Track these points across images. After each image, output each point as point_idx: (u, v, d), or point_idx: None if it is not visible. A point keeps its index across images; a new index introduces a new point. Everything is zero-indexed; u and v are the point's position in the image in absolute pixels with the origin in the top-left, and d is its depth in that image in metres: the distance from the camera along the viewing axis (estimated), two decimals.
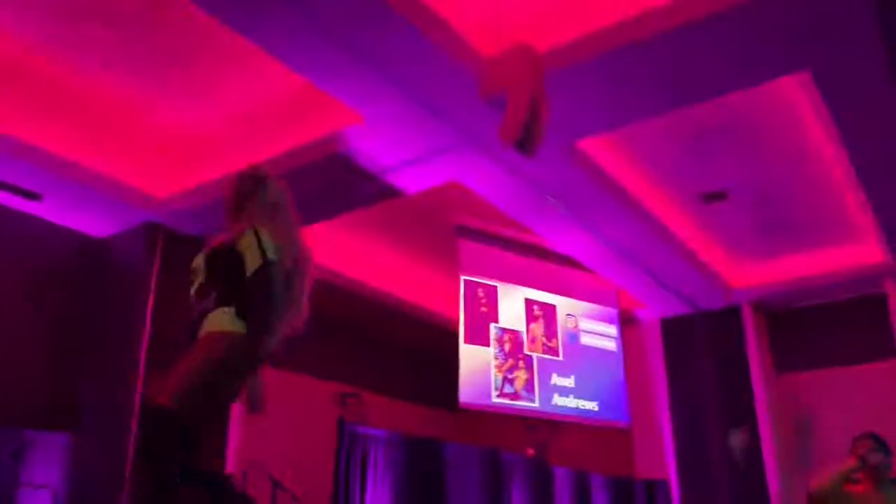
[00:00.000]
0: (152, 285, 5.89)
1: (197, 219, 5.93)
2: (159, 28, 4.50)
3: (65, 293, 6.06)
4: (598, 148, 5.55)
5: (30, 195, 5.62)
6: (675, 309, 8.03)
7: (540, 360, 7.34)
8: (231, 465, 6.01)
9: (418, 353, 9.26)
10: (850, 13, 3.77)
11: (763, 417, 7.43)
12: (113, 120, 5.32)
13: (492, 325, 7.08)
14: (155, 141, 5.57)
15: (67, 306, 6.05)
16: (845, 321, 7.62)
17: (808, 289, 7.51)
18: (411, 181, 5.54)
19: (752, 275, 7.58)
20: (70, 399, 5.87)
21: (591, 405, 7.57)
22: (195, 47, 4.66)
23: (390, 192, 5.66)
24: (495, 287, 7.25)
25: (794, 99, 4.99)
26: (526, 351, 7.24)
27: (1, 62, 4.73)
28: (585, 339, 7.81)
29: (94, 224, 6.13)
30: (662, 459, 7.87)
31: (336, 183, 5.53)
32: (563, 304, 7.74)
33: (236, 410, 6.19)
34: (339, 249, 7.23)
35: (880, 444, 3.85)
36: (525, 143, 3.72)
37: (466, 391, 6.68)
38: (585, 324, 7.85)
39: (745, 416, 7.49)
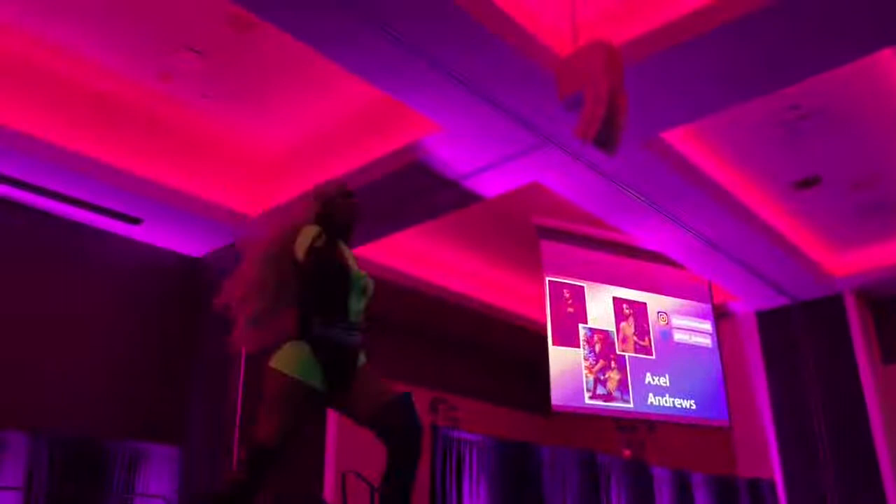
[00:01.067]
0: None
1: None
2: (244, 53, 4.70)
3: (170, 312, 6.37)
4: (683, 139, 5.42)
5: (131, 220, 5.93)
6: (771, 301, 7.72)
7: (632, 360, 7.20)
8: (329, 477, 6.15)
9: (508, 358, 9.25)
10: None
11: (874, 411, 7.05)
12: (203, 143, 5.57)
13: (580, 326, 6.99)
14: (243, 161, 5.80)
15: (173, 324, 6.35)
16: None
17: None
18: (491, 185, 5.55)
19: (852, 261, 7.22)
20: (178, 414, 6.15)
21: (688, 403, 7.37)
22: (277, 69, 4.84)
23: (471, 198, 5.69)
24: (581, 287, 7.16)
25: (887, 76, 4.74)
26: (618, 351, 7.12)
27: (102, 99, 5.04)
28: (679, 336, 7.61)
29: (190, 244, 6.41)
30: (766, 457, 7.57)
31: (417, 191, 5.60)
32: (654, 302, 7.57)
33: (331, 420, 6.35)
34: (423, 257, 7.31)
35: None
36: (605, 139, 3.65)
37: (558, 394, 6.62)
38: (678, 320, 7.66)
39: (852, 411, 7.12)
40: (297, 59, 4.62)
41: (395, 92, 4.49)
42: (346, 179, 5.46)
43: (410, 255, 7.20)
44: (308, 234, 2.50)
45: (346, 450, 6.50)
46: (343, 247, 2.65)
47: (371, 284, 2.66)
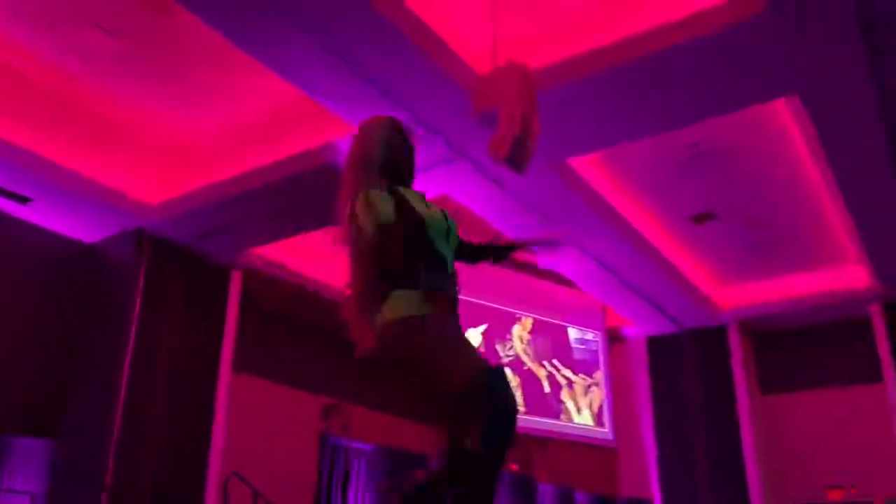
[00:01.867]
0: (138, 291, 5.86)
1: (185, 226, 5.92)
2: (158, 39, 4.52)
3: (52, 297, 6.02)
4: (590, 166, 5.58)
5: (19, 198, 5.58)
6: (662, 327, 8.04)
7: (527, 376, 7.34)
8: (212, 476, 5.96)
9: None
10: (836, 40, 3.82)
11: (747, 438, 7.44)
12: (107, 127, 5.32)
13: (480, 341, 7.07)
14: (149, 149, 5.57)
15: (54, 310, 6.00)
16: (830, 344, 7.65)
17: (793, 311, 7.55)
18: None
19: (739, 295, 7.61)
20: (54, 404, 5.81)
21: (577, 422, 7.57)
22: (192, 59, 4.68)
23: None
24: (485, 304, 7.26)
25: (785, 123, 5.04)
26: (510, 366, 7.24)
27: None
28: (573, 356, 7.82)
29: (83, 229, 6.10)
30: (646, 478, 7.86)
31: (327, 194, 5.51)
32: (552, 321, 7.75)
33: (219, 422, 6.16)
34: (327, 259, 7.21)
35: None
36: (516, 159, 3.73)
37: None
38: (573, 341, 7.86)
39: (729, 436, 7.50)
40: (217, 50, 4.47)
41: (312, 91, 4.42)
42: (252, 175, 5.40)
43: (313, 256, 7.09)
44: (366, 209, 2.04)
45: (233, 451, 6.33)
46: (408, 193, 2.23)
47: (454, 225, 2.29)
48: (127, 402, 5.56)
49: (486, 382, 1.90)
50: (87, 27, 4.41)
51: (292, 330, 7.85)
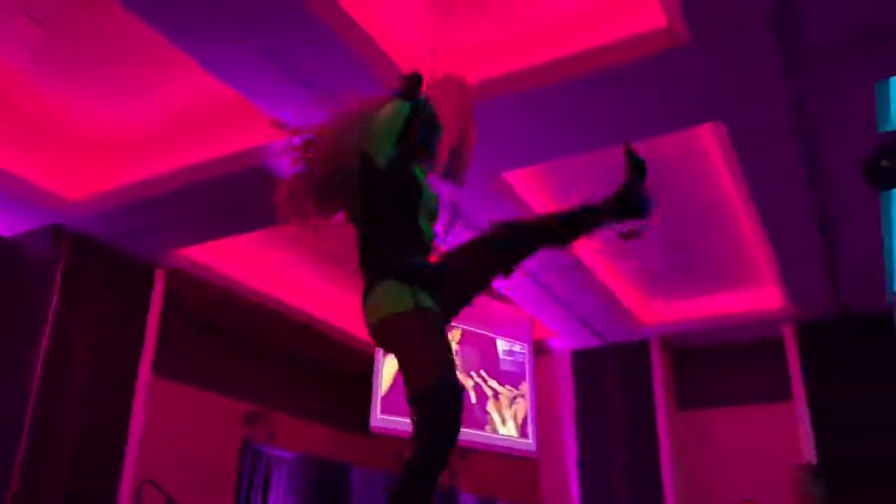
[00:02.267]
0: (55, 288, 5.64)
1: (108, 223, 5.74)
2: (86, 29, 4.38)
3: None
4: (523, 180, 5.66)
5: None
6: (587, 341, 8.21)
7: None
8: (126, 482, 5.77)
9: (332, 375, 9.13)
10: (759, 70, 4.00)
11: (665, 452, 7.66)
12: (30, 119, 5.11)
13: None
14: (71, 142, 5.37)
15: None
16: (744, 362, 7.95)
17: (711, 329, 7.82)
18: None
19: (660, 312, 7.84)
20: None
21: (502, 433, 7.64)
22: (121, 50, 4.55)
23: None
24: None
25: (709, 148, 5.24)
26: None
27: None
28: (500, 367, 7.89)
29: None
30: (567, 489, 7.99)
31: (256, 197, 5.42)
32: (479, 332, 7.81)
33: (136, 426, 5.98)
34: (255, 264, 7.10)
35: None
36: (452, 171, 3.75)
37: (378, 415, 6.64)
38: (501, 353, 7.94)
39: (647, 450, 7.70)
40: (149, 43, 4.36)
41: (245, 91, 4.36)
42: (182, 174, 5.27)
43: (239, 259, 6.97)
44: (388, 118, 2.09)
45: (149, 457, 6.14)
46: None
47: (437, 211, 2.33)
48: (38, 404, 5.34)
49: (443, 393, 1.91)
50: (16, 16, 4.23)
51: (217, 334, 7.69)
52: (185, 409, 7.18)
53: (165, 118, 5.16)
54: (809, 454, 6.94)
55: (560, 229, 2.31)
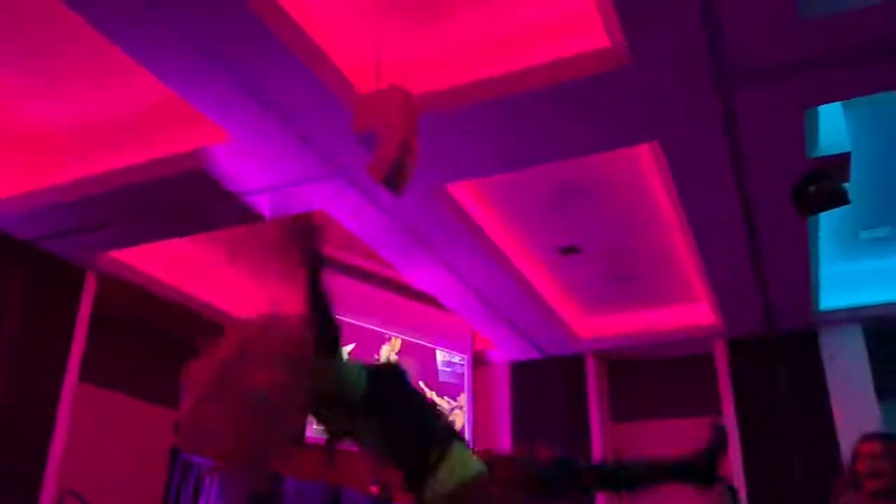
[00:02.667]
0: None
1: (36, 223, 5.53)
2: (11, 17, 4.21)
3: None
4: (468, 193, 5.70)
5: None
6: (526, 353, 8.29)
7: None
8: (46, 494, 5.54)
9: None
10: (695, 94, 4.13)
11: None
12: None
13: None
14: None
15: None
16: (677, 376, 8.15)
17: (646, 343, 7.99)
18: (275, 207, 5.44)
19: (597, 326, 7.97)
20: None
21: None
22: (55, 43, 4.39)
23: (251, 216, 5.53)
24: (353, 323, 7.20)
25: (647, 167, 5.37)
26: None
27: None
28: (439, 378, 7.89)
29: None
30: None
31: (194, 200, 5.34)
32: (421, 343, 7.80)
33: (60, 434, 5.76)
34: (189, 268, 6.95)
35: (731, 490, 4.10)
36: (394, 180, 3.76)
37: (315, 427, 6.54)
38: (440, 363, 7.95)
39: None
40: (83, 35, 4.22)
41: (183, 91, 4.26)
42: (116, 175, 5.12)
43: (173, 264, 6.81)
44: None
45: (72, 467, 5.92)
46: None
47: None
48: None
49: None
50: None
51: (148, 340, 7.49)
52: (113, 417, 6.97)
53: (100, 117, 5.00)
54: (737, 468, 7.15)
55: (620, 481, 2.36)
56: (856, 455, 2.96)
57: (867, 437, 3.02)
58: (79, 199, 5.26)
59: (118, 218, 5.54)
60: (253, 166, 4.94)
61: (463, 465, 2.11)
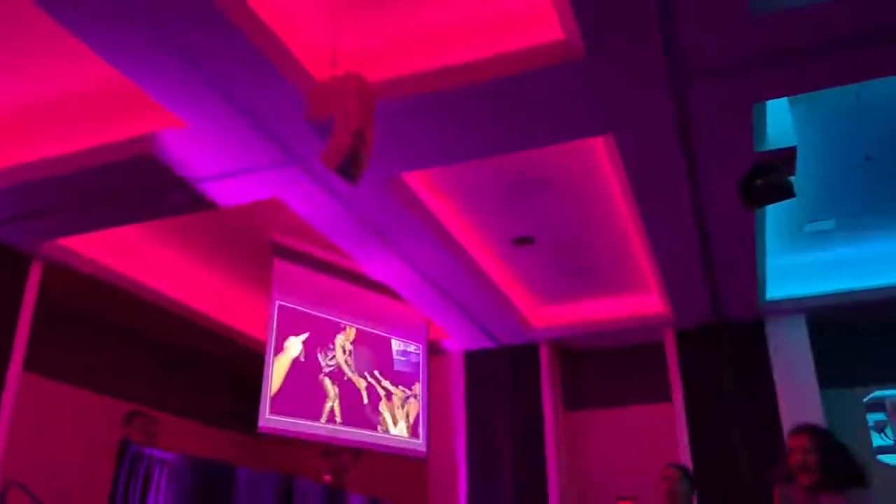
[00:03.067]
0: None
1: None
2: None
3: None
4: (422, 182, 5.70)
5: None
6: (479, 342, 8.35)
7: (347, 387, 7.31)
8: None
9: (218, 373, 8.88)
10: (647, 87, 4.19)
11: (550, 451, 7.90)
12: None
13: (300, 349, 6.96)
14: None
15: None
16: (628, 365, 8.31)
17: (598, 332, 8.12)
18: (228, 194, 5.36)
19: (550, 315, 8.07)
20: None
21: (393, 434, 7.64)
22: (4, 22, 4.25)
23: (204, 204, 5.44)
24: (308, 312, 7.16)
25: (600, 158, 5.44)
26: (331, 377, 7.19)
27: None
28: (394, 367, 7.90)
29: None
30: (455, 489, 8.08)
31: (146, 187, 5.23)
32: (376, 332, 7.79)
33: (2, 425, 5.62)
34: (139, 257, 6.81)
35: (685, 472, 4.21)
36: (349, 169, 3.74)
37: (266, 415, 6.50)
38: (395, 353, 7.95)
39: (534, 450, 7.90)
40: (27, 15, 4.09)
41: (135, 77, 4.16)
42: (63, 160, 4.99)
43: (125, 252, 6.67)
44: None
45: (17, 459, 5.78)
46: None
47: None
48: None
49: None
50: None
51: (95, 330, 7.34)
52: (60, 408, 6.82)
53: (46, 99, 4.85)
54: (685, 454, 7.32)
55: None
56: (787, 448, 3.02)
57: (796, 431, 3.07)
58: (23, 185, 5.12)
59: (64, 204, 5.41)
60: (205, 153, 4.86)
61: None
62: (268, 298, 6.90)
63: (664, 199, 5.41)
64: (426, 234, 6.02)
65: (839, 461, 2.89)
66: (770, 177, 4.68)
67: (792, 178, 4.79)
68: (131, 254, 6.70)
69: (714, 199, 5.35)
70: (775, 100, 4.61)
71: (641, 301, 7.69)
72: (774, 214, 6.07)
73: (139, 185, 5.21)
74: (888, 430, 7.46)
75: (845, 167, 5.83)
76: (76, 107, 4.87)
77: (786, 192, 4.69)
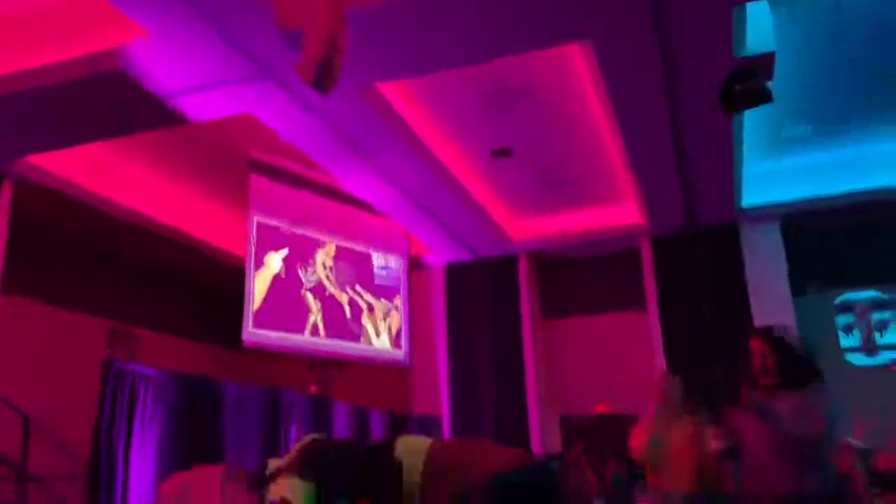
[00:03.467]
0: None
1: None
2: None
3: None
4: (398, 93, 5.59)
5: None
6: (459, 256, 8.41)
7: (329, 302, 7.38)
8: None
9: (200, 289, 8.91)
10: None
11: (529, 358, 8.10)
12: None
13: (281, 265, 6.98)
14: None
15: None
16: (605, 273, 8.43)
17: (575, 243, 8.19)
18: (199, 109, 5.24)
19: (529, 227, 8.12)
20: None
21: (376, 345, 7.78)
22: None
23: (175, 119, 5.32)
24: (287, 228, 7.14)
25: (579, 69, 5.35)
26: (313, 292, 7.25)
27: None
28: (375, 281, 7.96)
29: None
30: (437, 397, 8.31)
31: (116, 102, 5.09)
32: (356, 247, 7.81)
33: None
34: (115, 175, 6.70)
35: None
36: (321, 80, 3.65)
37: (250, 328, 6.57)
38: (376, 267, 8.00)
39: (513, 356, 8.09)
40: None
41: None
42: (28, 75, 4.83)
43: (98, 170, 6.55)
44: None
45: (3, 376, 5.83)
46: None
47: None
48: None
49: None
50: None
51: (73, 250, 7.28)
52: (42, 328, 6.84)
53: (11, 13, 4.66)
54: (660, 360, 7.53)
55: None
56: (749, 352, 3.10)
57: (757, 334, 3.14)
58: None
59: (33, 121, 5.26)
60: (174, 66, 4.72)
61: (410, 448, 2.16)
62: (245, 215, 6.85)
63: (642, 107, 5.36)
64: (403, 147, 5.96)
65: (795, 361, 2.98)
66: (749, 82, 4.64)
67: (770, 84, 4.76)
68: (105, 172, 6.58)
69: (693, 105, 5.32)
70: (755, 2, 4.52)
71: (618, 211, 7.74)
72: (752, 121, 6.05)
73: (109, 101, 5.06)
74: (856, 332, 7.70)
75: (827, 70, 5.78)
76: (43, 21, 4.68)
77: (764, 96, 4.67)
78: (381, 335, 7.90)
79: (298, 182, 7.26)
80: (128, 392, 4.70)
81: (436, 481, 2.13)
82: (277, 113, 5.36)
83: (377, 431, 7.34)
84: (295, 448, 2.20)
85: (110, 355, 5.08)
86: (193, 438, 5.21)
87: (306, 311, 7.18)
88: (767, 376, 3.01)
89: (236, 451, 5.42)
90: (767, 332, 3.18)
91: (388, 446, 2.19)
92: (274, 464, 2.15)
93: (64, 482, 5.49)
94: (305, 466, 2.10)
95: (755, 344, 3.08)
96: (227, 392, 5.67)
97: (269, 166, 6.96)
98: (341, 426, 6.86)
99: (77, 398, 5.63)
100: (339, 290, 7.58)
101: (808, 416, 2.81)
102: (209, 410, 5.43)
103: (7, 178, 5.96)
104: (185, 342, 8.50)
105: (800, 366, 2.99)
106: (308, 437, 2.27)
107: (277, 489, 1.88)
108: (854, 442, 4.98)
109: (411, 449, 2.19)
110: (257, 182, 6.86)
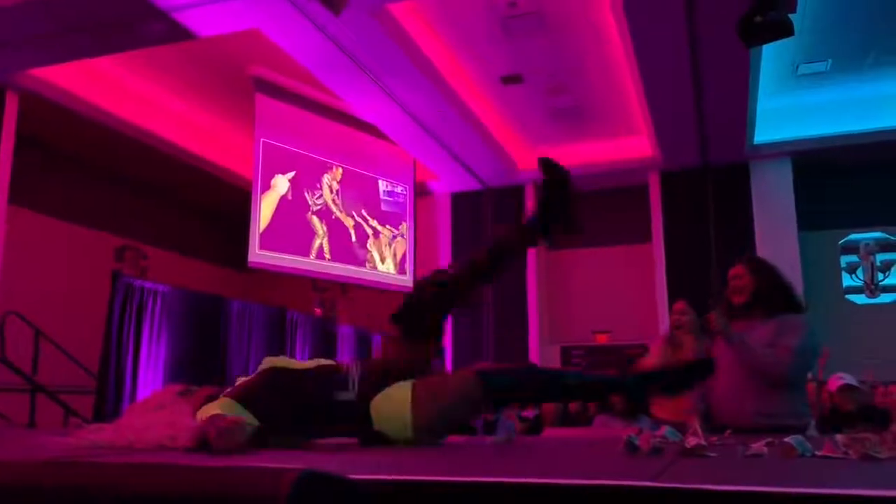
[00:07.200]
0: None
1: None
2: None
3: None
4: (409, 16, 5.47)
5: None
6: (466, 184, 8.38)
7: (335, 225, 7.40)
8: None
9: (208, 210, 8.94)
10: None
11: (531, 287, 8.17)
12: None
13: (288, 188, 6.97)
14: None
15: None
16: (611, 206, 8.38)
17: (585, 175, 8.11)
18: (206, 24, 5.13)
19: (537, 157, 8.03)
20: None
21: (381, 270, 7.84)
22: None
23: (182, 34, 5.22)
24: (294, 150, 7.10)
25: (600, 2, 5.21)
26: (319, 215, 7.26)
27: None
28: (381, 207, 7.97)
29: None
30: None
31: (122, 15, 4.99)
32: (363, 173, 7.78)
33: None
34: (124, 92, 6.63)
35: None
36: (333, 0, 3.58)
37: (256, 250, 6.62)
38: (382, 193, 7.99)
39: (516, 283, 8.17)
40: None
41: None
42: None
43: (106, 87, 6.47)
44: None
45: (11, 290, 5.92)
46: None
47: None
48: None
49: None
50: None
51: (82, 165, 7.28)
52: (51, 242, 6.90)
53: None
54: (662, 293, 7.59)
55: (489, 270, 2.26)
56: (726, 279, 3.10)
57: (736, 262, 3.11)
58: None
59: (37, 33, 5.17)
60: None
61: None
62: (251, 136, 6.80)
63: (661, 38, 5.24)
64: (412, 70, 5.86)
65: (771, 288, 2.97)
66: (770, 13, 4.51)
67: (792, 15, 4.63)
68: (111, 87, 6.51)
69: (712, 37, 5.19)
70: None
71: (630, 144, 7.66)
72: (770, 55, 5.92)
73: (114, 13, 4.97)
74: (859, 272, 7.72)
75: (847, 5, 5.62)
76: None
77: (785, 29, 4.54)
78: (385, 261, 7.96)
79: (306, 104, 7.18)
80: (136, 305, 4.78)
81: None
82: (287, 30, 5.26)
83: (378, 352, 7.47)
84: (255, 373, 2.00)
85: (119, 270, 5.13)
86: (199, 353, 5.32)
87: (312, 233, 7.21)
88: (738, 295, 3.02)
89: (241, 366, 5.54)
90: (752, 258, 3.19)
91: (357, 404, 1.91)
92: (240, 380, 2.03)
93: (73, 393, 5.63)
94: (251, 396, 1.83)
95: (736, 269, 3.09)
96: (234, 309, 5.75)
97: (275, 85, 6.87)
98: (345, 347, 6.99)
99: (87, 310, 5.73)
100: (345, 215, 7.59)
101: (775, 347, 2.81)
102: (216, 326, 5.53)
103: (12, 89, 5.90)
104: (192, 262, 8.57)
105: (774, 292, 2.98)
106: (267, 363, 2.04)
107: (209, 409, 1.64)
108: (846, 377, 5.04)
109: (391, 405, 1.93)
110: (263, 102, 6.79)
